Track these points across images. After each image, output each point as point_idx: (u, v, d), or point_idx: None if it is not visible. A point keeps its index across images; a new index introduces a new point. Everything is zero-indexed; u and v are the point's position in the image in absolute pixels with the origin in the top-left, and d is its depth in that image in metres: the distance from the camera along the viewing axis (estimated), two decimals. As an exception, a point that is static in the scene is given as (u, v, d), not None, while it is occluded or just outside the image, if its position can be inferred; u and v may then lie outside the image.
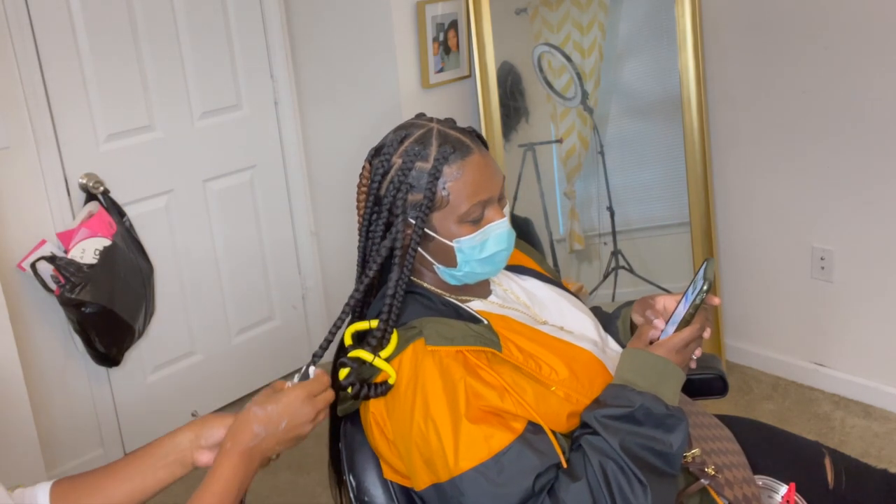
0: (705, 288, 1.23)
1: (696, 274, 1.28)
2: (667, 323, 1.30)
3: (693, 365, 1.32)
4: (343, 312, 1.31)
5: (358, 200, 1.37)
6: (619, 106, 2.94)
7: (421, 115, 1.39)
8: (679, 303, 1.29)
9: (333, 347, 1.38)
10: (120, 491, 1.18)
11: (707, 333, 1.29)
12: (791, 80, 2.63)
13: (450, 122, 1.35)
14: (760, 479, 1.43)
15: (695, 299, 1.24)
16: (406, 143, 1.31)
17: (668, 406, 1.21)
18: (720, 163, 2.87)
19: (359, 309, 1.40)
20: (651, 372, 1.24)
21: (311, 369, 1.24)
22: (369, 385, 1.26)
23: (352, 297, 1.33)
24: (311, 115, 3.01)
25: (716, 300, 1.30)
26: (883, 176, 2.53)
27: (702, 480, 1.28)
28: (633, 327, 1.49)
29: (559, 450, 1.20)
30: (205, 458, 1.20)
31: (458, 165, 1.28)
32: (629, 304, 1.51)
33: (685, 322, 1.26)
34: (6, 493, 1.17)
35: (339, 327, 1.30)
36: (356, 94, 2.82)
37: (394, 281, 1.29)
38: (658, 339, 1.29)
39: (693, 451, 1.32)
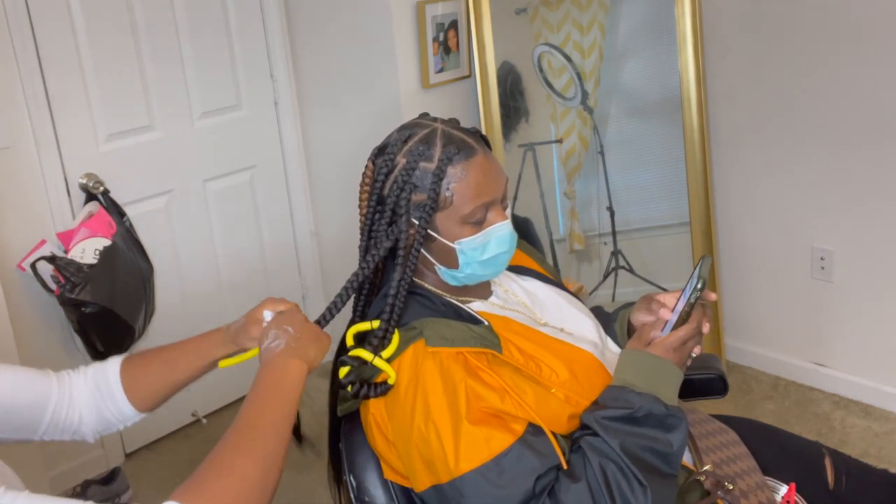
0: (700, 286, 1.23)
1: (692, 272, 1.28)
2: (666, 322, 1.30)
3: (688, 362, 1.31)
4: (339, 298, 1.31)
5: (360, 199, 1.37)
6: (619, 106, 2.94)
7: (425, 115, 1.39)
8: (677, 300, 1.29)
9: (333, 347, 1.37)
10: (184, 361, 1.34)
11: (706, 329, 1.29)
12: (791, 79, 2.63)
13: (454, 123, 1.35)
14: (761, 480, 1.43)
15: (690, 297, 1.24)
16: (410, 143, 1.31)
17: (668, 406, 1.21)
18: (720, 163, 2.87)
19: (360, 308, 1.40)
20: (649, 372, 1.24)
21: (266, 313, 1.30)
22: (369, 385, 1.26)
23: (350, 283, 1.32)
24: (311, 115, 3.01)
25: (712, 296, 1.30)
26: (883, 176, 2.53)
27: (719, 493, 1.28)
28: (630, 329, 1.49)
29: (559, 451, 1.20)
30: (252, 343, 1.31)
31: (463, 166, 1.28)
32: (627, 306, 1.51)
33: (682, 320, 1.26)
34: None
35: (332, 314, 1.31)
36: (356, 94, 2.82)
37: (396, 281, 1.29)
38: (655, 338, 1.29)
39: (705, 468, 1.32)
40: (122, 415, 1.33)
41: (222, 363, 1.35)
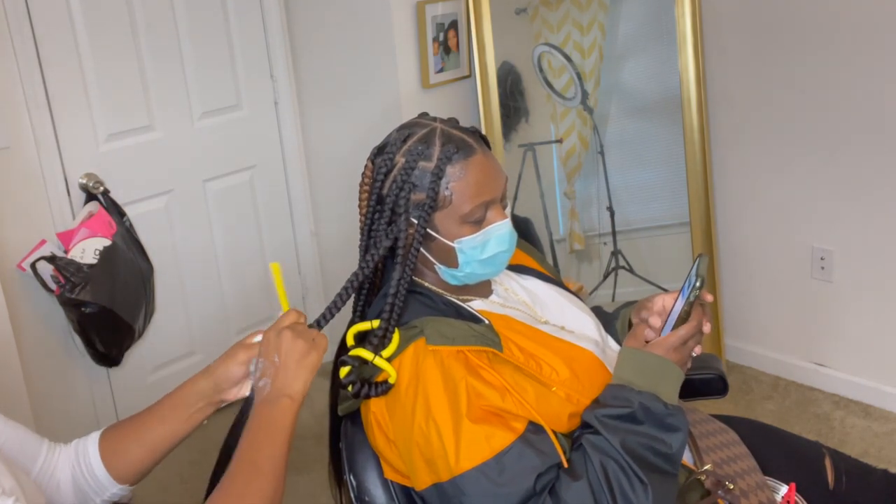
0: (698, 284, 1.23)
1: (689, 271, 1.27)
2: (665, 321, 1.30)
3: (689, 363, 1.31)
4: (339, 298, 1.30)
5: (360, 199, 1.37)
6: (619, 106, 2.94)
7: (424, 115, 1.39)
8: (676, 300, 1.29)
9: (332, 348, 1.37)
10: (161, 431, 1.28)
11: (706, 328, 1.29)
12: (791, 80, 2.63)
13: (453, 122, 1.35)
14: (761, 480, 1.43)
15: (689, 296, 1.24)
16: (409, 143, 1.31)
17: (668, 405, 1.21)
18: (720, 163, 2.87)
19: (360, 307, 1.40)
20: (649, 371, 1.24)
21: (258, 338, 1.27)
22: (370, 384, 1.26)
23: (349, 282, 1.31)
24: (311, 115, 3.00)
25: (708, 297, 1.30)
26: (883, 176, 2.53)
27: (719, 492, 1.28)
28: (631, 328, 1.49)
29: (560, 449, 1.20)
30: (231, 395, 1.29)
31: (462, 165, 1.28)
32: (628, 304, 1.51)
33: (681, 320, 1.25)
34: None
35: (332, 314, 1.30)
36: (356, 94, 2.82)
37: (396, 280, 1.29)
38: (654, 337, 1.29)
39: (706, 467, 1.32)
40: (100, 486, 1.27)
41: (274, 267, 1.31)
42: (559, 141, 2.94)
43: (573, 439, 1.25)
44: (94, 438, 1.29)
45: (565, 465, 1.20)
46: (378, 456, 1.33)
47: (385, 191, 1.31)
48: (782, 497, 1.38)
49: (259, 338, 1.27)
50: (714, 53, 2.78)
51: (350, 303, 1.42)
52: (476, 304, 1.37)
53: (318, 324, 1.29)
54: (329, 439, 1.45)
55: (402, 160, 1.30)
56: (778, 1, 2.60)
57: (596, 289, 2.98)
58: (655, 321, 1.32)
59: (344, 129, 2.90)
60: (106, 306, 2.33)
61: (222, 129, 2.83)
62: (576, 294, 1.55)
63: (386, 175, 1.31)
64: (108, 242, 2.37)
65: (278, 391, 1.19)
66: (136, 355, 2.70)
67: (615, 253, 2.96)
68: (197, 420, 1.29)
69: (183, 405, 1.28)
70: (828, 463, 1.51)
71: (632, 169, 2.95)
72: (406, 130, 1.33)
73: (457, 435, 1.17)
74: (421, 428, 1.20)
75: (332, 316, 1.31)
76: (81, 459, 1.28)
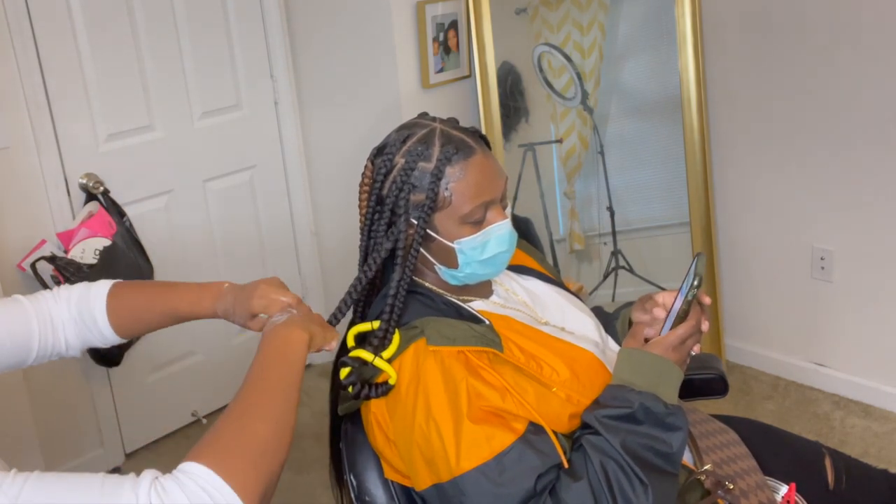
0: (696, 283, 1.23)
1: (688, 269, 1.27)
2: (664, 320, 1.30)
3: (688, 362, 1.31)
4: (343, 303, 1.31)
5: (360, 200, 1.37)
6: (619, 106, 2.94)
7: (424, 115, 1.39)
8: (675, 299, 1.29)
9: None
10: (173, 304, 1.32)
11: (705, 327, 1.29)
12: (791, 80, 2.64)
13: (453, 122, 1.35)
14: (761, 480, 1.43)
15: (687, 295, 1.24)
16: (409, 143, 1.31)
17: (668, 405, 1.21)
18: (720, 163, 2.87)
19: (360, 308, 1.40)
20: (649, 371, 1.24)
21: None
22: (370, 385, 1.26)
23: (353, 287, 1.31)
24: (311, 115, 3.00)
25: (706, 299, 1.30)
26: (883, 176, 2.53)
27: (719, 492, 1.28)
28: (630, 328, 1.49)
29: (560, 450, 1.20)
30: (239, 320, 1.30)
31: (461, 166, 1.28)
32: (629, 304, 1.51)
33: (680, 319, 1.25)
34: None
35: (338, 319, 1.30)
36: (356, 94, 2.82)
37: (395, 281, 1.29)
38: (653, 337, 1.29)
39: (705, 467, 1.32)
40: (104, 339, 1.33)
41: None
42: (559, 141, 2.94)
43: (573, 440, 1.25)
44: (100, 294, 1.32)
45: (566, 465, 1.20)
46: (378, 456, 1.33)
47: (385, 191, 1.31)
48: (782, 497, 1.38)
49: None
50: (714, 53, 2.78)
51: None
52: (476, 305, 1.37)
53: None
54: (329, 439, 1.45)
55: (402, 161, 1.29)
56: (778, 1, 2.60)
57: (596, 289, 2.98)
58: (660, 311, 1.32)
59: (344, 129, 2.90)
60: (106, 306, 2.32)
61: (222, 129, 2.83)
62: (576, 294, 1.55)
63: (385, 176, 1.31)
64: (108, 242, 2.37)
65: (296, 322, 1.18)
66: (136, 355, 2.70)
67: (615, 253, 2.96)
68: (202, 310, 1.33)
69: (199, 293, 1.32)
70: (828, 463, 1.51)
71: (632, 169, 2.95)
72: (406, 131, 1.33)
73: (457, 435, 1.17)
74: (421, 428, 1.20)
75: (337, 321, 1.30)
76: (87, 316, 1.31)
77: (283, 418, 1.04)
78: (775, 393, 2.86)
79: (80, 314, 1.31)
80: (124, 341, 1.35)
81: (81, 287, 1.33)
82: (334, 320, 1.30)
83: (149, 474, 0.91)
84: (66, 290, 1.33)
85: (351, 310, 1.38)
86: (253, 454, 0.96)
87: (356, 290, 1.31)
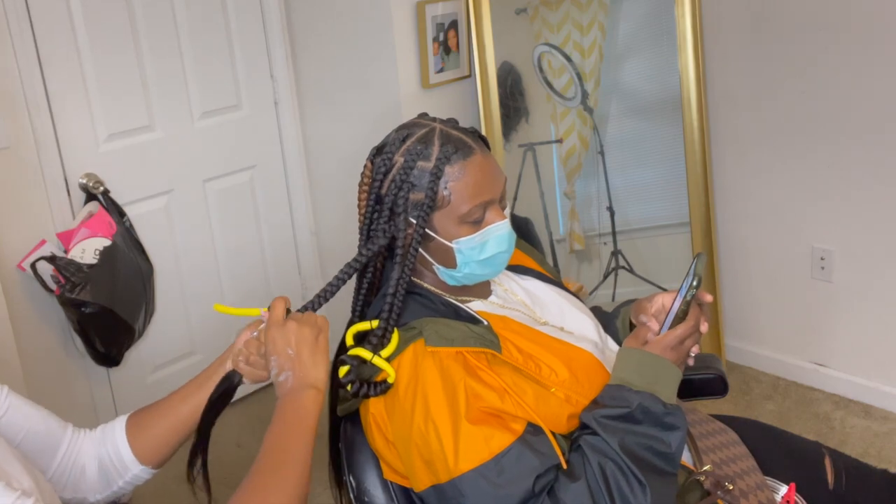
0: (695, 283, 1.23)
1: (688, 269, 1.27)
2: (664, 321, 1.30)
3: (691, 362, 1.31)
4: (337, 279, 1.33)
5: (359, 199, 1.37)
6: (619, 106, 2.94)
7: (424, 115, 1.39)
8: (674, 300, 1.29)
9: (332, 347, 1.37)
10: (184, 409, 1.31)
11: (704, 327, 1.29)
12: (791, 80, 2.63)
13: (452, 122, 1.35)
14: (761, 480, 1.43)
15: (686, 295, 1.24)
16: (408, 143, 1.31)
17: (666, 404, 1.21)
18: (720, 163, 2.87)
19: (359, 309, 1.40)
20: (647, 371, 1.24)
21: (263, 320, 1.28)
22: (369, 384, 1.26)
23: (344, 272, 1.33)
24: (311, 115, 3.01)
25: (708, 297, 1.30)
26: (883, 176, 2.53)
27: (719, 493, 1.28)
28: (632, 327, 1.49)
29: (559, 451, 1.20)
30: (253, 376, 1.31)
31: (461, 166, 1.28)
32: (628, 303, 1.51)
33: (679, 319, 1.25)
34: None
35: (330, 294, 1.33)
36: (356, 94, 2.82)
37: (394, 280, 1.29)
38: (653, 337, 1.29)
39: (705, 468, 1.32)
40: (124, 467, 1.30)
41: (218, 307, 1.35)
42: (559, 141, 2.94)
43: (572, 440, 1.25)
44: (121, 420, 1.33)
45: (564, 466, 1.20)
46: (377, 457, 1.33)
47: (384, 190, 1.31)
48: (782, 497, 1.38)
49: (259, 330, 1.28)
50: (714, 53, 2.78)
51: (349, 302, 1.42)
52: (475, 305, 1.37)
53: (312, 307, 1.31)
54: (328, 440, 1.45)
55: (401, 160, 1.30)
56: (778, 1, 2.60)
57: (596, 289, 2.98)
58: (652, 323, 1.32)
59: (344, 128, 2.90)
60: (106, 306, 2.33)
61: (222, 129, 2.83)
62: (575, 294, 1.55)
63: (385, 175, 1.31)
64: (108, 242, 2.37)
65: (301, 382, 1.19)
66: (136, 355, 2.70)
67: (615, 253, 2.96)
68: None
69: (208, 383, 1.31)
70: (828, 463, 1.51)
71: (632, 169, 2.95)
72: (405, 130, 1.33)
73: (455, 436, 1.17)
74: (420, 429, 1.19)
75: (324, 302, 1.31)
76: (108, 441, 1.30)
77: (296, 492, 1.09)
78: (775, 393, 2.86)
79: (104, 441, 1.30)
80: (153, 471, 1.33)
81: (106, 423, 1.33)
82: (318, 301, 1.32)
83: None
84: (99, 428, 1.33)
85: (348, 306, 1.38)
86: None
87: (349, 273, 1.33)
